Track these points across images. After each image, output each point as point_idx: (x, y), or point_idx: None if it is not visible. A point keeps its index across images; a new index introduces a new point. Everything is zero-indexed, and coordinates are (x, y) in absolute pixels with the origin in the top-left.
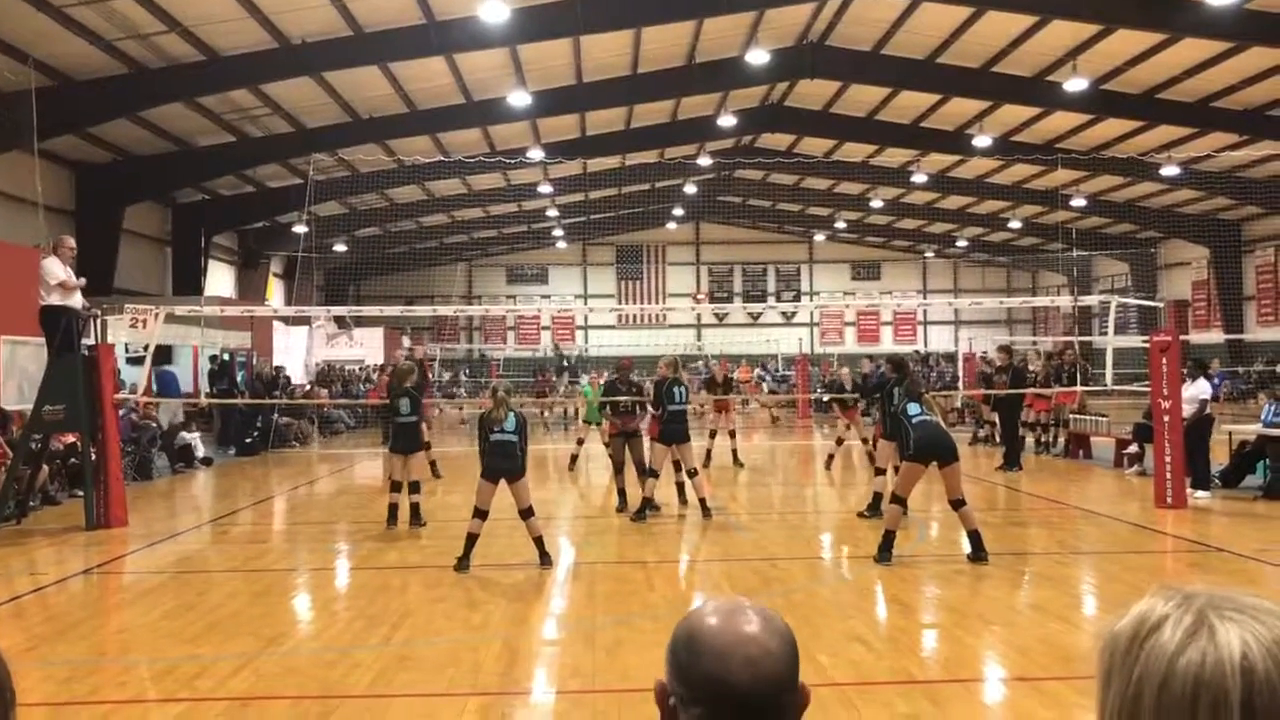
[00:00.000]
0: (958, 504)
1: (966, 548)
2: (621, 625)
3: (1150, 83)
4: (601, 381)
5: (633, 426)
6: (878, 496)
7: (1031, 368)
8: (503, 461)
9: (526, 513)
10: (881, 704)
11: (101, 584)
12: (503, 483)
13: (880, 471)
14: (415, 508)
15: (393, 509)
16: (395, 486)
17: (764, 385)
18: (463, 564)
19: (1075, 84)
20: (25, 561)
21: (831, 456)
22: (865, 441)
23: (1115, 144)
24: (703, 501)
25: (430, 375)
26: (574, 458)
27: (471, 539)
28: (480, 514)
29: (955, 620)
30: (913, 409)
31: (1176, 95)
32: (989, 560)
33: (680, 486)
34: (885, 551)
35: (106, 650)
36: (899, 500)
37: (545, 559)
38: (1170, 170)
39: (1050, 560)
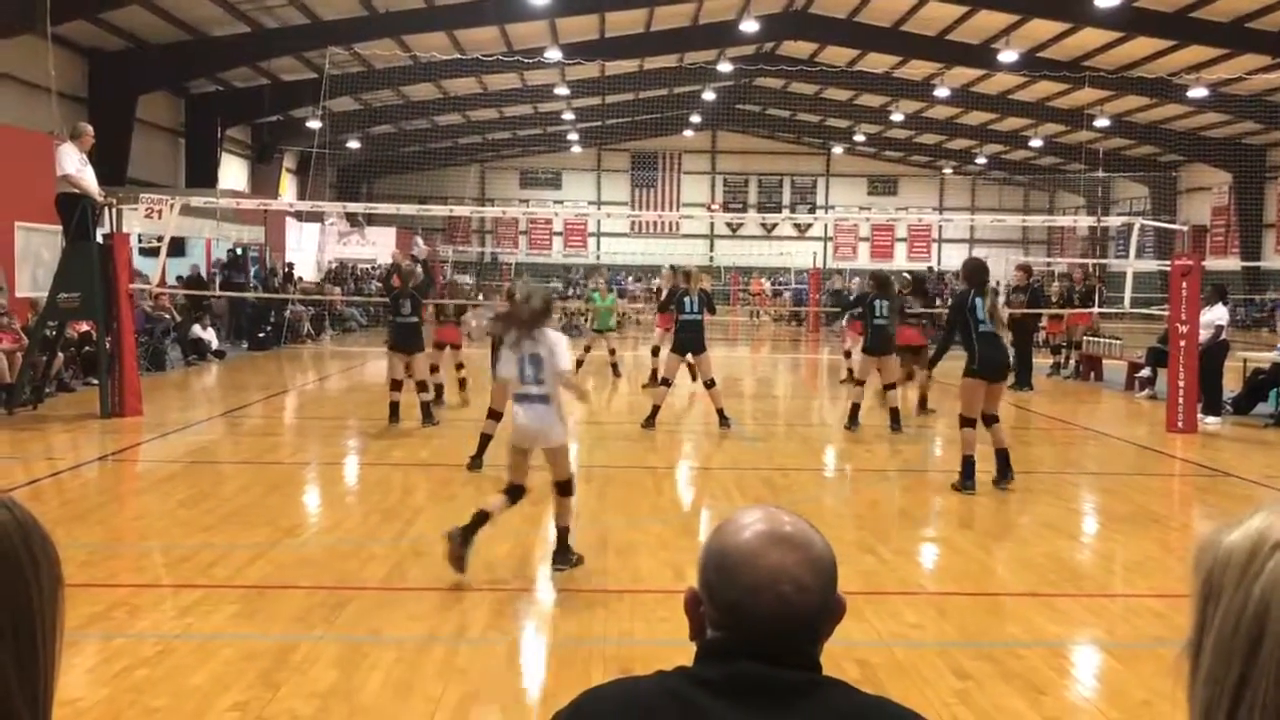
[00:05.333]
0: (992, 419)
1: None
2: (633, 528)
3: (1183, 0)
4: (614, 290)
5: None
6: (855, 408)
7: (1053, 288)
8: None
9: None
10: (890, 613)
11: (117, 471)
12: None
13: (859, 383)
14: (425, 407)
15: (394, 407)
16: (396, 385)
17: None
18: (476, 463)
19: None
20: (42, 447)
21: (851, 371)
22: (847, 355)
23: (1144, 63)
24: (720, 412)
25: (441, 277)
26: (579, 363)
27: (485, 439)
28: (495, 415)
29: (963, 535)
30: (981, 311)
31: (1210, 14)
32: (1014, 480)
33: (690, 396)
34: (968, 479)
35: (123, 536)
36: (968, 422)
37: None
38: (1198, 92)
39: (1059, 479)
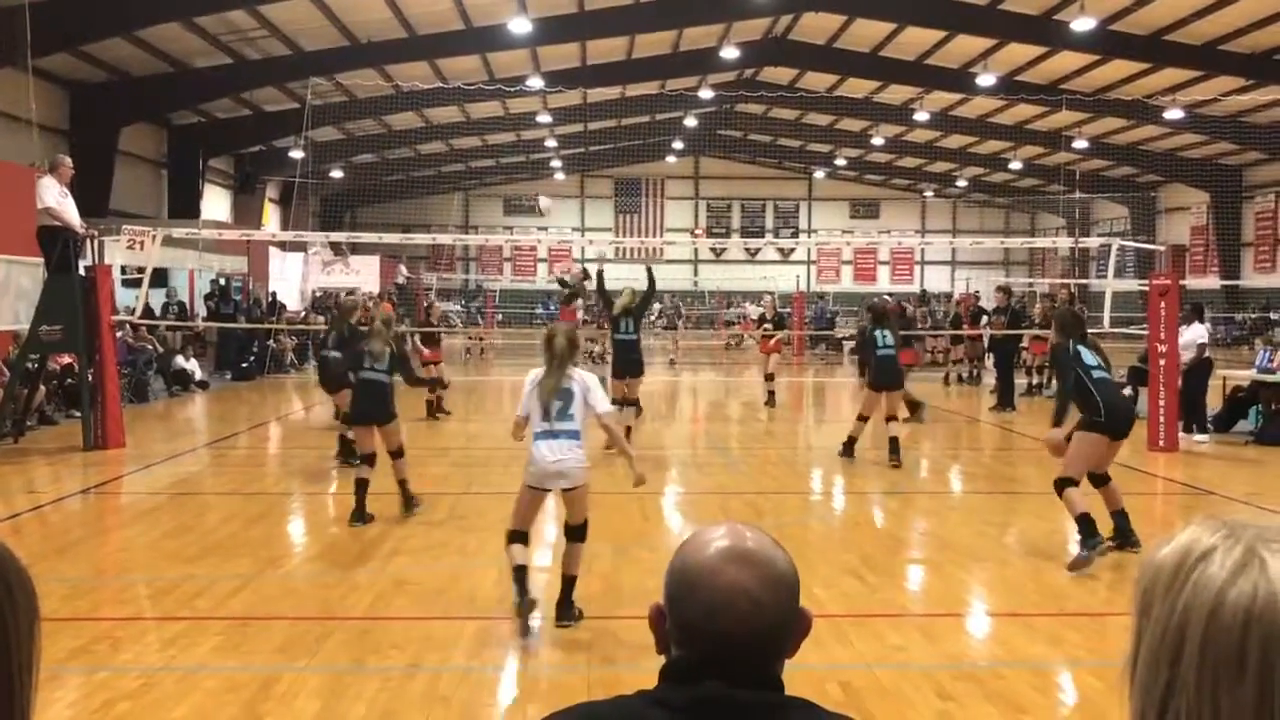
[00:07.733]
0: (1103, 480)
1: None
2: (618, 554)
3: (1158, 24)
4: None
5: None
6: (852, 440)
7: (1035, 309)
8: (369, 405)
9: (395, 454)
10: (873, 635)
11: (99, 504)
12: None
13: (863, 418)
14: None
15: (360, 485)
16: (369, 460)
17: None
18: (357, 516)
19: (1083, 23)
20: (23, 480)
21: (773, 394)
22: (768, 378)
23: (1120, 86)
24: (628, 429)
25: (424, 304)
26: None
27: (360, 484)
28: (365, 458)
29: (947, 556)
30: (1089, 358)
31: (1183, 37)
32: (1140, 548)
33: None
34: (1092, 537)
35: (106, 569)
36: (1070, 482)
37: (410, 503)
38: (1174, 114)
39: (1041, 500)
